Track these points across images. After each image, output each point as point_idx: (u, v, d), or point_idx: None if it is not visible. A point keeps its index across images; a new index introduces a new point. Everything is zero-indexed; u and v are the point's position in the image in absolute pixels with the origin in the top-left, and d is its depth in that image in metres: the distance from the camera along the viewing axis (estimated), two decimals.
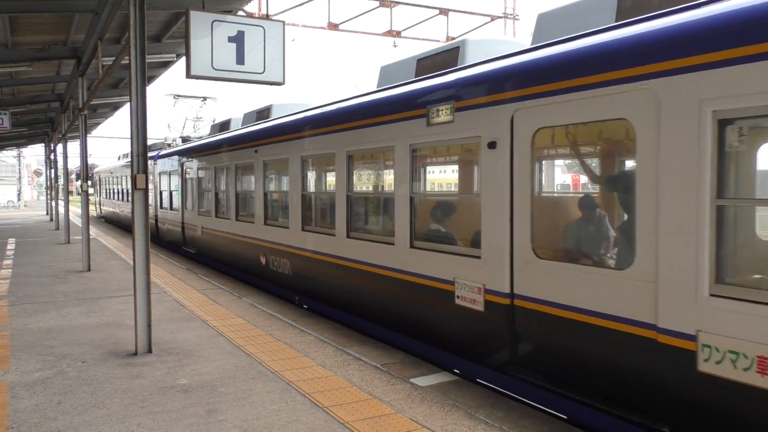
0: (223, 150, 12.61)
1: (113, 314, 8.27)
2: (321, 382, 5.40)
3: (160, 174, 18.43)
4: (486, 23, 16.90)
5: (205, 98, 20.90)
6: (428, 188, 7.67)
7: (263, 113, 11.99)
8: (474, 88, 5.69)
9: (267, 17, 11.06)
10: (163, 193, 18.16)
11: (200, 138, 16.97)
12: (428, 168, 7.36)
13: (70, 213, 20.37)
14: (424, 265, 6.33)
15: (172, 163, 17.08)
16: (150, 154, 19.78)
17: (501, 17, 17.31)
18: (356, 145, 7.57)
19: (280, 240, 9.72)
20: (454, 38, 16.29)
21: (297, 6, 14.05)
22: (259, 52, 6.77)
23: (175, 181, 16.76)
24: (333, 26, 14.87)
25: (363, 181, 8.26)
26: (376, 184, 8.14)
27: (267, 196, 10.59)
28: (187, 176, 15.51)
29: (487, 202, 5.41)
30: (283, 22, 7.05)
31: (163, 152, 18.63)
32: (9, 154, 57.13)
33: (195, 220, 14.68)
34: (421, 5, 15.62)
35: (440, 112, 6.00)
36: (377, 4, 14.82)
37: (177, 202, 16.51)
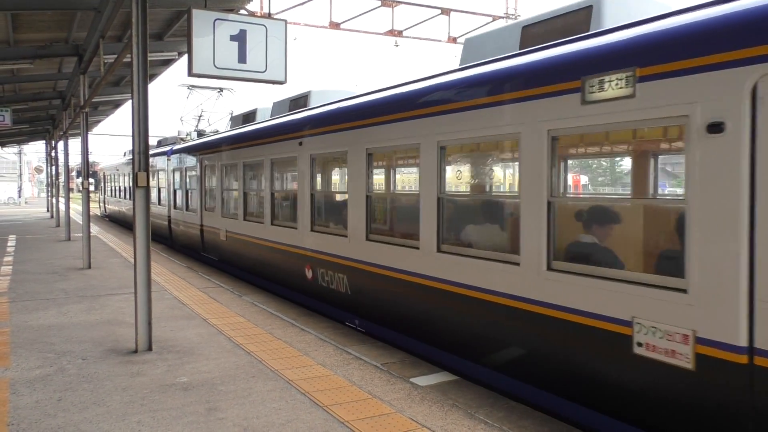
0: (254, 143, 11.06)
1: (114, 312, 8.27)
2: (321, 381, 5.40)
3: (174, 171, 17.03)
4: (488, 23, 16.90)
5: (221, 89, 19.21)
6: (571, 187, 6.55)
7: (299, 101, 10.58)
8: (679, 45, 4.02)
9: (269, 16, 11.03)
10: (178, 192, 16.65)
11: (217, 132, 15.71)
12: (572, 161, 6.04)
13: (71, 210, 20.36)
14: (575, 295, 4.64)
15: (188, 158, 15.53)
16: (162, 149, 18.71)
17: (503, 17, 17.31)
18: (454, 133, 5.91)
19: (335, 250, 8.10)
20: (455, 38, 16.30)
21: (299, 5, 14.05)
22: (261, 51, 6.78)
23: (193, 178, 15.15)
24: (334, 25, 14.86)
25: (462, 180, 6.68)
26: (483, 184, 6.57)
27: (314, 198, 8.90)
28: (207, 173, 13.91)
29: (703, 211, 3.84)
30: (285, 21, 7.06)
31: (177, 147, 17.22)
32: (10, 151, 57.12)
33: (217, 222, 13.02)
34: (423, 5, 15.61)
35: (609, 84, 4.38)
36: (379, 3, 14.82)
37: (194, 202, 14.83)
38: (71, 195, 32.97)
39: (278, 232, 9.92)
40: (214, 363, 5.95)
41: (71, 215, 20.67)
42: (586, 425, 4.67)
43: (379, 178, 8.33)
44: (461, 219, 6.35)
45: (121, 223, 26.97)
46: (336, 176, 9.73)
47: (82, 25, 11.18)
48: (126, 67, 11.93)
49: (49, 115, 25.33)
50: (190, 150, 15.64)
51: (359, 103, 7.85)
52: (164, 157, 17.99)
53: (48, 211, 33.80)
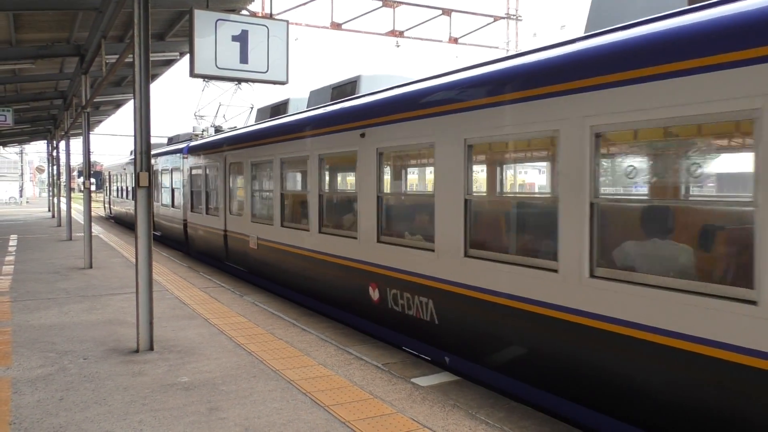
0: (294, 136, 9.34)
1: (115, 311, 8.28)
2: (322, 381, 5.41)
3: (191, 170, 15.27)
4: (489, 23, 16.91)
5: (239, 82, 17.92)
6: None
7: (346, 88, 9.08)
8: None
9: (270, 16, 11.05)
10: (196, 192, 14.89)
11: (235, 128, 14.23)
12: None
13: (72, 210, 20.39)
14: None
15: (209, 156, 13.81)
16: (177, 146, 17.56)
17: (504, 18, 17.32)
18: (623, 115, 4.31)
19: (415, 268, 6.55)
20: (456, 39, 16.31)
21: (300, 5, 14.07)
22: (262, 51, 6.80)
23: (214, 177, 13.42)
24: (336, 26, 14.89)
25: (638, 178, 5.15)
26: (675, 185, 4.88)
27: (381, 201, 7.32)
28: (233, 172, 12.29)
29: None
30: (287, 22, 7.09)
31: (195, 143, 15.47)
32: (11, 151, 57.21)
33: (246, 228, 11.35)
34: (424, 5, 15.64)
35: None
36: (380, 4, 14.85)
37: (217, 204, 13.16)
38: (73, 195, 32.88)
39: (329, 242, 8.31)
40: (215, 363, 5.96)
41: (73, 215, 20.71)
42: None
43: (491, 177, 6.72)
44: (635, 235, 4.83)
45: (127, 224, 25.43)
46: (413, 174, 8.37)
47: (83, 25, 11.20)
48: (127, 67, 12.00)
49: (51, 115, 25.37)
50: (211, 146, 13.84)
51: (449, 83, 6.17)
52: (179, 155, 16.42)
53: (49, 210, 33.84)
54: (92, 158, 32.87)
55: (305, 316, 8.26)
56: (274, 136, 10.25)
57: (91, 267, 12.46)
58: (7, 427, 4.38)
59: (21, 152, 55.92)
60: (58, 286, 10.27)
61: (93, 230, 14.28)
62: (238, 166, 11.93)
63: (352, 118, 7.79)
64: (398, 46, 16.16)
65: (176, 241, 17.21)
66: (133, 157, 24.65)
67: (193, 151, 15.32)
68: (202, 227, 14.38)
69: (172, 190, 17.50)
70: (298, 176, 10.04)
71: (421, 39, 16.33)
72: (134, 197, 6.48)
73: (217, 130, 16.54)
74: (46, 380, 5.42)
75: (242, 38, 6.64)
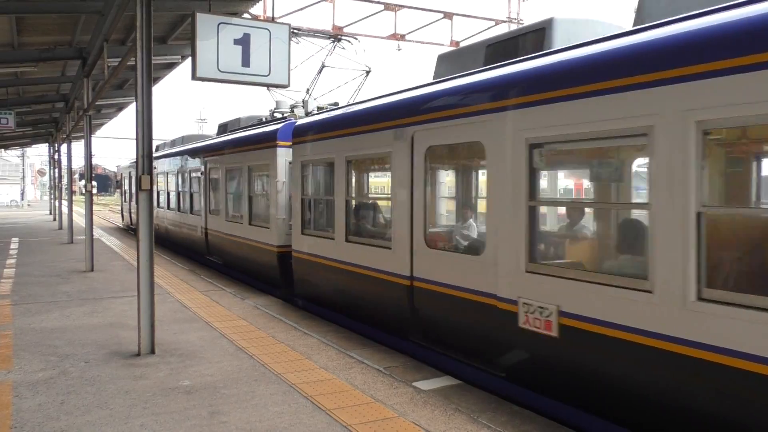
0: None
1: (116, 315, 8.28)
2: (323, 385, 5.40)
3: (306, 165, 9.29)
4: (490, 27, 16.93)
5: (338, 38, 12.46)
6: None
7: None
8: None
9: (272, 20, 11.07)
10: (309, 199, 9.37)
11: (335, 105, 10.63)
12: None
13: (74, 213, 20.39)
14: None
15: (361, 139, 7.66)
16: (255, 130, 11.86)
17: (505, 21, 17.35)
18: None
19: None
20: (458, 42, 16.33)
21: (302, 9, 14.10)
22: (264, 55, 6.81)
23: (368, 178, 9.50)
24: (337, 29, 14.90)
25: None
26: None
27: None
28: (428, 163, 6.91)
29: None
30: (289, 25, 7.10)
31: (311, 120, 9.46)
32: (13, 154, 57.32)
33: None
34: (426, 9, 15.67)
35: None
36: (382, 7, 14.86)
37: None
38: (75, 198, 32.75)
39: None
40: (216, 366, 5.95)
41: (74, 218, 20.74)
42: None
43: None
44: None
45: (158, 239, 14.02)
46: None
47: (85, 28, 11.22)
48: (129, 70, 12.01)
49: (53, 118, 25.41)
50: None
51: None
52: (269, 145, 10.57)
53: (51, 213, 33.86)
54: (93, 161, 32.84)
55: (306, 320, 8.25)
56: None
57: (92, 270, 12.45)
58: (8, 431, 4.37)
59: (22, 155, 56.00)
60: (60, 289, 10.26)
61: (94, 233, 14.28)
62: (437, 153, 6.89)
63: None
64: (399, 49, 16.17)
65: (194, 250, 14.16)
66: (158, 153, 19.89)
67: (304, 133, 9.26)
68: (250, 241, 11.07)
69: (248, 198, 11.56)
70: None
71: (423, 42, 16.34)
72: (136, 201, 6.49)
73: (293, 110, 11.91)
74: (48, 384, 5.41)
75: (244, 41, 6.64)
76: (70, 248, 16.99)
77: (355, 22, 14.95)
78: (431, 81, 6.86)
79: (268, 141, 10.68)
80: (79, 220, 23.84)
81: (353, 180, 8.43)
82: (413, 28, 15.90)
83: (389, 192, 7.16)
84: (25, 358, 6.22)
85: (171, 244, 17.67)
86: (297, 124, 9.84)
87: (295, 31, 12.46)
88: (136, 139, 6.42)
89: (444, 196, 8.75)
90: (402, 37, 15.78)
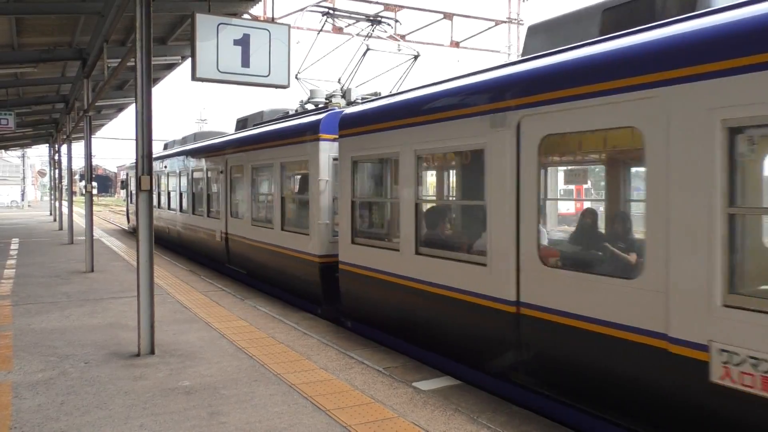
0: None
1: (116, 315, 8.28)
2: (323, 385, 5.40)
3: (356, 163, 7.84)
4: (490, 27, 16.95)
5: (378, 20, 11.59)
6: None
7: None
8: None
9: (272, 20, 11.06)
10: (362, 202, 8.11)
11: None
12: None
13: (74, 214, 20.38)
14: None
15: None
16: (290, 121, 10.43)
17: (505, 22, 17.36)
18: None
19: None
20: (458, 43, 16.35)
21: (302, 10, 14.11)
22: (264, 55, 6.80)
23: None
24: (337, 30, 14.90)
25: None
26: None
27: None
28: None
29: None
30: (289, 26, 7.09)
31: (366, 108, 7.85)
32: (13, 155, 57.35)
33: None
34: (426, 9, 15.68)
35: None
36: (381, 8, 14.87)
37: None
38: (75, 199, 32.67)
39: None
40: (216, 367, 5.95)
41: (75, 219, 20.74)
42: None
43: None
44: None
45: (165, 243, 18.10)
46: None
47: (85, 29, 11.23)
48: (129, 70, 12.01)
49: (53, 119, 25.42)
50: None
51: None
52: (307, 139, 9.20)
53: (51, 214, 33.86)
54: (94, 162, 32.69)
55: (306, 320, 8.25)
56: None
57: (92, 271, 12.45)
58: None
59: (23, 156, 56.03)
60: (60, 290, 10.26)
61: (95, 234, 14.28)
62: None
63: None
64: (399, 50, 16.19)
65: (213, 259, 13.00)
66: (167, 151, 18.90)
67: (356, 123, 7.81)
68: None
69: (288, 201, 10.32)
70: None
71: (423, 43, 16.36)
72: (135, 201, 6.49)
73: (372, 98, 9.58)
74: (47, 384, 5.41)
75: (244, 42, 6.64)
76: (70, 249, 16.99)
77: (355, 23, 14.95)
78: (541, 53, 5.45)
79: (308, 134, 9.25)
80: (80, 220, 23.86)
81: (426, 180, 7.18)
82: (413, 28, 15.92)
83: (481, 193, 5.76)
84: (25, 358, 6.22)
85: (183, 249, 16.44)
86: (345, 113, 8.30)
87: (331, 11, 12.20)
88: (136, 139, 6.42)
89: (564, 199, 6.86)
90: (402, 38, 15.78)
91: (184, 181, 16.45)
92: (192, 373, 5.74)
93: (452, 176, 8.22)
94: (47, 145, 36.22)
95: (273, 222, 10.28)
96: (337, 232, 8.40)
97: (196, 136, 17.51)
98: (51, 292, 10.05)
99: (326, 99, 10.81)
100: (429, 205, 6.92)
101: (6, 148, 42.25)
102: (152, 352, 6.38)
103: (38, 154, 61.50)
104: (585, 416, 4.68)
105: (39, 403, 4.94)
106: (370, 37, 11.05)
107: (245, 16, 10.32)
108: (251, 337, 7.14)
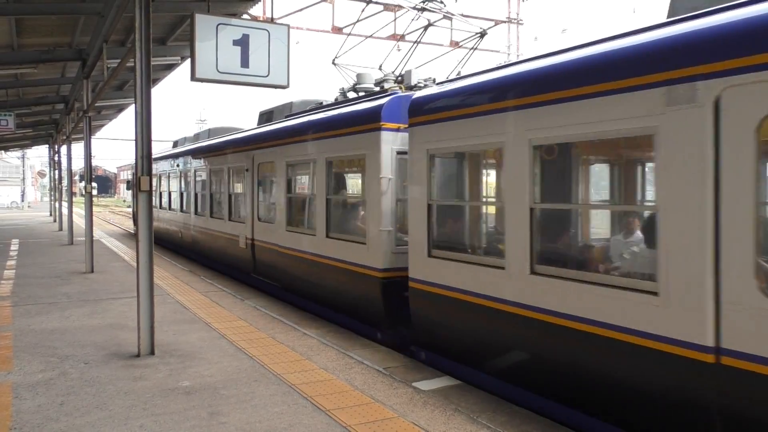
0: None
1: (116, 316, 8.28)
2: (323, 385, 5.40)
3: (435, 159, 6.52)
4: (490, 27, 16.95)
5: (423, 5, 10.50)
6: None
7: None
8: None
9: (272, 20, 11.06)
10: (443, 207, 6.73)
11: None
12: None
13: (74, 215, 20.34)
14: None
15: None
16: (353, 107, 8.42)
17: (505, 21, 17.36)
18: None
19: None
20: (458, 43, 16.35)
21: (302, 9, 14.11)
22: (263, 55, 6.80)
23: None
24: (337, 30, 14.91)
25: None
26: None
27: None
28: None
29: None
30: (288, 26, 7.09)
31: (455, 87, 6.35)
32: (13, 155, 57.33)
33: None
34: (426, 9, 15.66)
35: None
36: (381, 8, 14.88)
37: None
38: (76, 199, 32.62)
39: None
40: (216, 367, 5.95)
41: (74, 220, 20.68)
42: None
43: None
44: None
45: (170, 245, 17.62)
46: None
47: (85, 29, 11.23)
48: (129, 71, 12.02)
49: (53, 120, 25.41)
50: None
51: None
52: (366, 129, 7.72)
53: (51, 215, 33.86)
54: (94, 162, 32.55)
55: (306, 320, 8.25)
56: None
57: (92, 271, 12.45)
58: None
59: (23, 157, 56.02)
60: (59, 291, 10.26)
61: (95, 235, 14.27)
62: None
63: None
64: (399, 50, 16.18)
65: (240, 270, 11.82)
66: (178, 149, 17.11)
67: (432, 109, 6.45)
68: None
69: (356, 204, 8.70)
70: None
71: (423, 43, 16.34)
72: (135, 201, 6.49)
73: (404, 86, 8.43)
74: (47, 385, 5.41)
75: (243, 42, 6.64)
76: (70, 249, 16.99)
77: (355, 23, 14.96)
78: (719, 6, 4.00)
79: (365, 123, 7.69)
80: (79, 221, 23.83)
81: (546, 178, 5.30)
82: (413, 28, 15.91)
83: (640, 194, 4.54)
84: (25, 359, 6.22)
85: (198, 256, 15.05)
86: (417, 96, 6.79)
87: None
88: (136, 140, 6.42)
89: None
90: (401, 38, 15.79)
91: (200, 180, 15.08)
92: (192, 374, 5.73)
93: (592, 172, 6.40)
94: (47, 145, 36.22)
95: (316, 228, 8.83)
96: (400, 241, 7.26)
97: (211, 132, 16.23)
98: (51, 293, 10.05)
99: (376, 84, 9.22)
100: (550, 211, 5.38)
101: (6, 148, 42.25)
102: (152, 352, 6.38)
103: (38, 154, 61.50)
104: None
105: (39, 404, 4.94)
106: (424, 10, 9.65)
107: (244, 16, 10.32)
108: (251, 337, 7.14)
